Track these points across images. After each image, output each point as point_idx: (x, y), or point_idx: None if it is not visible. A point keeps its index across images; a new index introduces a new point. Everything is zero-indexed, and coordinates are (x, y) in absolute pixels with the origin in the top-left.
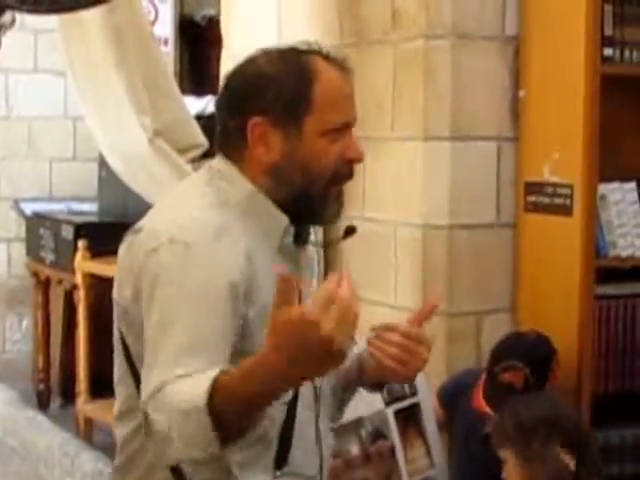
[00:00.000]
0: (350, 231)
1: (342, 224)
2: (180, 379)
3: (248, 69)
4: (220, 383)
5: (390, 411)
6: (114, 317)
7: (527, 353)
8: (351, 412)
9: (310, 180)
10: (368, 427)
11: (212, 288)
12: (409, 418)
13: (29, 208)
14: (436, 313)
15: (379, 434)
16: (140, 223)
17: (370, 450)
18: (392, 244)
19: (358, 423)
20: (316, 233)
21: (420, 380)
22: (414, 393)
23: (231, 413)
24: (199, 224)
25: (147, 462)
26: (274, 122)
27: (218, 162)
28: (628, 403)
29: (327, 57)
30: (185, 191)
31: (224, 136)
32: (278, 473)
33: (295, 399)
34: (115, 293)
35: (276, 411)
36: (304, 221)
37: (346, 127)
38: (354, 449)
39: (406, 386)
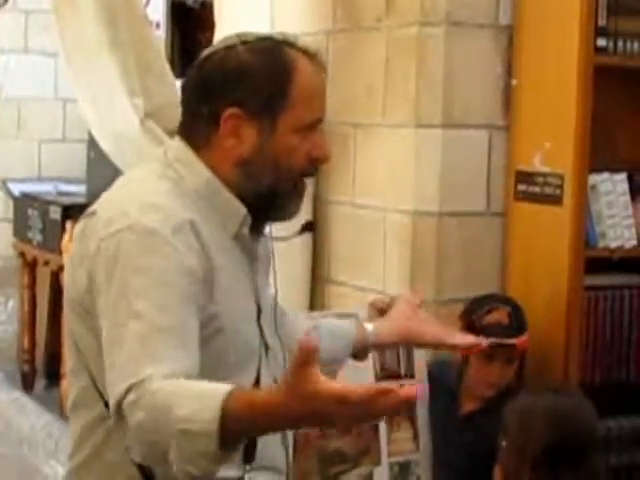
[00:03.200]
0: (308, 227)
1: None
2: (165, 379)
3: (227, 57)
4: (229, 410)
5: None
6: (64, 307)
7: (506, 298)
8: None
9: (279, 177)
10: None
11: (174, 275)
12: None
13: (17, 189)
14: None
15: None
16: (94, 206)
17: None
18: (381, 230)
19: None
20: (270, 226)
21: (419, 366)
22: (411, 375)
23: (235, 439)
24: (159, 211)
25: (110, 459)
26: (250, 115)
27: (176, 148)
28: (615, 394)
29: (305, 51)
30: (143, 175)
31: (191, 120)
32: (248, 467)
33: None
34: (66, 281)
35: None
36: (265, 216)
37: (317, 124)
38: None
39: (402, 367)
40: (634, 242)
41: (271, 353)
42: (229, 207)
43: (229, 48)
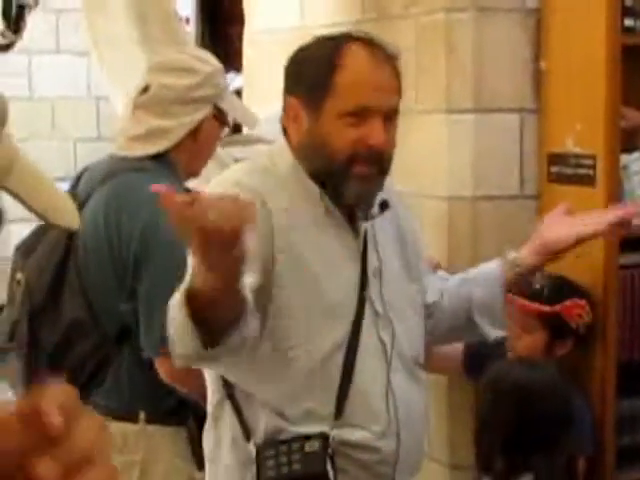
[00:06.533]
0: (384, 205)
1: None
2: None
3: (295, 54)
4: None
5: None
6: None
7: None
8: None
9: (327, 159)
10: None
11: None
12: None
13: None
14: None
15: None
16: None
17: None
18: (418, 216)
19: None
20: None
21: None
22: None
23: (202, 310)
24: (237, 187)
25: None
26: (303, 103)
27: (280, 138)
28: None
29: (367, 43)
30: (249, 161)
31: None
32: (333, 429)
33: (354, 349)
34: None
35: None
36: (331, 196)
37: (366, 112)
38: None
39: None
40: None
41: (380, 319)
42: (309, 187)
43: (303, 47)
